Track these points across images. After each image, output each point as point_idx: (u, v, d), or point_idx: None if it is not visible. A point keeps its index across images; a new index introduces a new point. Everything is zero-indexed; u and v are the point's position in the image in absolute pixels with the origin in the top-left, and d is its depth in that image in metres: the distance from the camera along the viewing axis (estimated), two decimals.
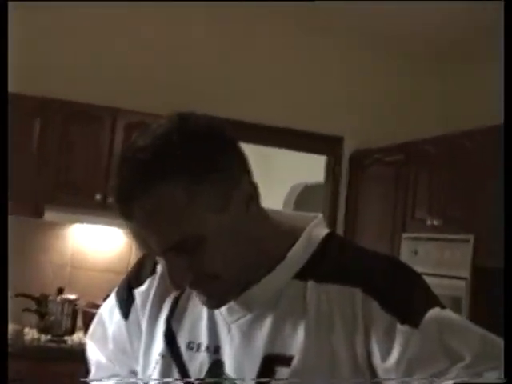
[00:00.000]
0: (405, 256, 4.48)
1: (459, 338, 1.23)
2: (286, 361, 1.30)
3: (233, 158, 1.28)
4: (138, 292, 1.50)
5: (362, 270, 1.31)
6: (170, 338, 1.43)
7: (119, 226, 4.66)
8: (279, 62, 5.35)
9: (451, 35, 5.06)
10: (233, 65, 5.25)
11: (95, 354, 1.65)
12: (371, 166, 5.23)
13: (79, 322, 4.52)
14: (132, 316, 1.51)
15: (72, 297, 4.53)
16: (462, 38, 5.01)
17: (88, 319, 3.99)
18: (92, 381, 1.55)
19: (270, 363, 1.31)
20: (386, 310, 1.25)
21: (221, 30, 5.19)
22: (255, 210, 1.30)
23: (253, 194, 1.29)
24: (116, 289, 1.59)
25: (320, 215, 1.43)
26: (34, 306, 4.49)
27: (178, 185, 1.19)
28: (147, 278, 1.49)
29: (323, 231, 1.39)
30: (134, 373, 1.57)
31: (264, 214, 1.35)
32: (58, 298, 4.50)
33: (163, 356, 1.42)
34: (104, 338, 1.60)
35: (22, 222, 4.66)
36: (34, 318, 4.53)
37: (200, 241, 1.22)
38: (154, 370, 1.43)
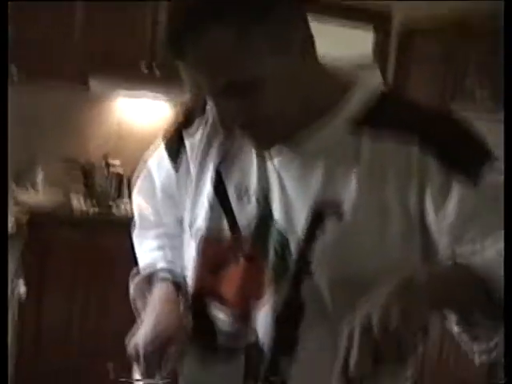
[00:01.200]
0: None
1: None
2: (337, 209, 1.29)
3: (291, 1, 1.24)
4: (187, 134, 1.48)
5: (418, 125, 1.28)
6: (218, 184, 1.42)
7: (164, 95, 4.66)
8: None
9: None
10: None
11: (142, 207, 1.67)
12: (420, 41, 5.10)
13: (125, 191, 4.57)
14: (182, 167, 1.51)
15: (117, 163, 4.58)
16: None
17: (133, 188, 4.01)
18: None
19: (321, 212, 1.31)
20: (443, 166, 1.23)
21: None
22: (311, 58, 1.28)
23: (309, 42, 1.26)
24: (163, 137, 1.58)
25: (376, 65, 1.39)
26: (80, 175, 4.56)
27: (232, 24, 1.16)
28: (196, 118, 1.48)
29: (379, 84, 1.36)
30: (180, 222, 1.58)
31: (319, 63, 1.32)
32: (103, 165, 4.55)
33: (210, 201, 1.42)
34: (152, 189, 1.61)
35: (68, 93, 4.66)
36: (80, 188, 4.59)
37: (253, 84, 1.20)
38: (200, 212, 1.44)
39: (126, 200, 4.52)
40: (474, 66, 4.49)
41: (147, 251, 1.63)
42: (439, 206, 1.23)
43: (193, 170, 1.48)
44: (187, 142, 1.49)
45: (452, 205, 1.22)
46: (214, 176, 1.43)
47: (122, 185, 4.57)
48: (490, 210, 1.21)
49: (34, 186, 4.53)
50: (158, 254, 1.60)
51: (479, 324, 1.18)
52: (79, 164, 4.57)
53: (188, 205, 1.48)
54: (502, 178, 1.22)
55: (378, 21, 5.36)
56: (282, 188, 1.35)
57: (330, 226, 1.30)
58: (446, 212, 1.23)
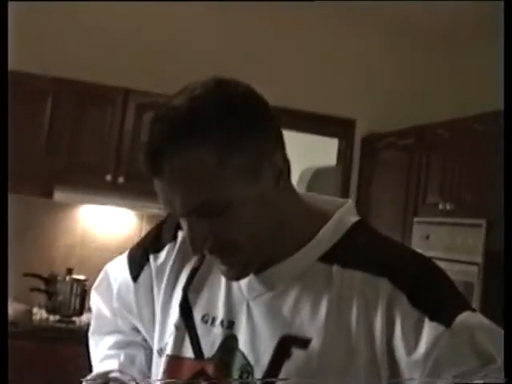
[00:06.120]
0: (416, 240, 4.45)
1: (492, 341, 1.17)
2: (304, 343, 1.27)
3: (269, 127, 1.25)
4: (156, 257, 1.47)
5: (390, 262, 1.27)
6: (186, 309, 1.40)
7: (129, 207, 4.67)
8: (292, 42, 5.30)
9: (464, 20, 5.02)
10: (245, 45, 5.20)
11: (98, 306, 1.64)
12: (383, 149, 5.18)
13: (88, 303, 4.49)
14: (142, 279, 1.49)
15: (81, 277, 4.53)
16: (475, 22, 4.97)
17: None
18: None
19: (287, 344, 1.28)
20: (415, 306, 1.20)
21: (234, 10, 5.14)
22: (285, 187, 1.28)
23: (284, 169, 1.26)
24: (129, 251, 1.57)
25: (350, 201, 1.40)
26: (42, 285, 4.49)
27: (210, 147, 1.16)
28: (167, 243, 1.46)
29: (353, 218, 1.36)
30: (135, 330, 1.57)
31: (293, 193, 1.33)
32: (67, 279, 4.49)
33: (177, 327, 1.40)
34: (109, 295, 1.58)
35: (32, 202, 4.65)
36: (42, 298, 4.52)
37: (225, 206, 1.20)
38: (169, 338, 1.41)
39: (89, 313, 4.43)
40: (438, 178, 4.53)
41: (102, 358, 1.58)
42: (411, 344, 1.20)
43: (160, 291, 1.46)
44: (153, 264, 1.47)
45: (424, 345, 1.18)
46: (181, 300, 1.41)
47: (86, 296, 4.51)
48: (464, 355, 1.17)
49: None
50: (112, 362, 1.54)
51: None
52: (42, 277, 4.50)
53: (157, 326, 1.46)
54: (478, 323, 1.20)
55: (343, 127, 5.46)
56: (250, 317, 1.33)
57: (295, 354, 1.27)
58: (417, 351, 1.19)
